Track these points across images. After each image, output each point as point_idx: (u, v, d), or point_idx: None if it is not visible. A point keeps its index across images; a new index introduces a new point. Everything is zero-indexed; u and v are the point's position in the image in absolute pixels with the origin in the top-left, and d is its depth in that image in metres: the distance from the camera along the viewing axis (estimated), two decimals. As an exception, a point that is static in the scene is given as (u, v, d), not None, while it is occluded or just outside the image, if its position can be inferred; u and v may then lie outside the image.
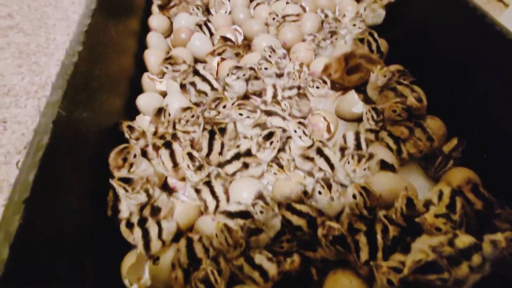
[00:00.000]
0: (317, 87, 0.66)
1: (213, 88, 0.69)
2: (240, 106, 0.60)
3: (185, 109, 0.62)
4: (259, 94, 0.77)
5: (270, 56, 0.74)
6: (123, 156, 0.51)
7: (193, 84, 0.68)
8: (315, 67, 0.80)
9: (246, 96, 0.76)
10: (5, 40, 1.01)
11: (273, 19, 0.89)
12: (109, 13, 0.66)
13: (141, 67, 0.82)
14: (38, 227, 0.35)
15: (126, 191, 0.46)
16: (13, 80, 0.88)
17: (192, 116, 0.62)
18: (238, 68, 0.68)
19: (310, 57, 0.83)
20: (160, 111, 0.61)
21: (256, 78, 0.72)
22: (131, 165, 0.53)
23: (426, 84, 0.71)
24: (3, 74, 0.90)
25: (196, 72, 0.69)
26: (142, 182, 0.48)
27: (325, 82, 0.66)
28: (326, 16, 0.93)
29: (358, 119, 0.71)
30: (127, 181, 0.47)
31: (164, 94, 0.79)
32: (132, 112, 0.72)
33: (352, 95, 0.70)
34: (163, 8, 0.97)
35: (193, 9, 0.88)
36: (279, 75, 0.79)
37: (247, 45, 0.88)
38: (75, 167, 0.44)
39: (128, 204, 0.49)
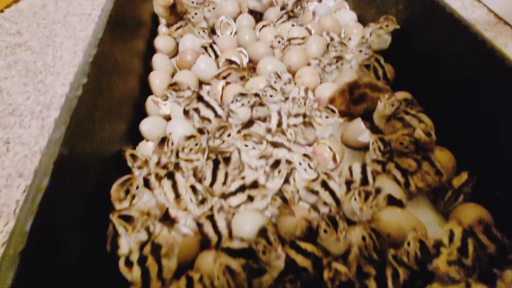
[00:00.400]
0: (326, 117, 0.64)
1: (216, 115, 0.68)
2: (246, 137, 0.59)
3: (189, 138, 0.62)
4: (264, 119, 0.76)
5: (275, 82, 0.73)
6: (125, 188, 0.50)
7: (196, 110, 0.68)
8: (321, 92, 0.79)
9: (250, 121, 0.75)
10: (13, 58, 1.02)
11: (279, 42, 0.89)
12: (116, 39, 0.67)
13: (146, 89, 0.82)
14: (34, 275, 0.33)
15: (126, 230, 0.45)
16: (18, 99, 0.88)
17: (196, 145, 0.61)
18: (242, 95, 0.67)
19: (316, 82, 0.82)
20: (163, 140, 0.60)
21: (261, 104, 0.72)
22: (133, 196, 0.52)
23: (434, 113, 0.70)
24: (9, 92, 0.90)
25: (200, 98, 0.69)
26: (143, 220, 0.47)
27: (333, 111, 0.65)
28: (331, 39, 0.93)
29: (365, 147, 0.70)
30: (127, 219, 0.46)
31: (168, 118, 0.78)
32: (136, 137, 0.71)
33: (359, 123, 0.69)
34: (170, 25, 0.98)
35: (198, 32, 0.88)
36: (284, 99, 0.79)
37: (252, 67, 0.88)
38: (76, 206, 0.43)
39: (128, 240, 0.48)
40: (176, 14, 0.94)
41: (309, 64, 0.88)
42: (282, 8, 1.13)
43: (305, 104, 0.70)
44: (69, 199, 0.41)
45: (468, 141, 0.64)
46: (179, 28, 0.94)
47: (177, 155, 0.63)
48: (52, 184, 0.36)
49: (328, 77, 0.83)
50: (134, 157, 0.61)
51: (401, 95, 0.75)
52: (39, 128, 0.82)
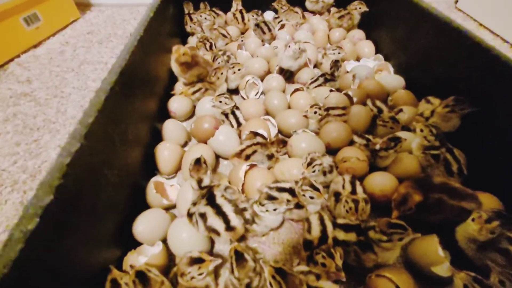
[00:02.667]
0: (399, 239, 0.44)
1: (228, 227, 0.48)
2: (274, 274, 0.40)
3: (193, 261, 0.43)
4: (298, 220, 0.57)
5: (315, 179, 0.55)
6: None
7: (203, 216, 0.49)
8: (373, 185, 0.60)
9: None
10: (14, 109, 0.92)
11: (315, 112, 0.73)
12: (118, 114, 0.52)
13: (150, 164, 0.67)
14: None
15: None
16: (4, 163, 0.75)
17: (200, 274, 0.43)
18: (271, 198, 0.50)
19: (364, 169, 0.64)
20: (141, 277, 0.41)
21: (298, 206, 0.53)
22: None
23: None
24: (-4, 153, 0.78)
25: (210, 199, 0.50)
26: None
27: (405, 229, 0.44)
28: (380, 111, 0.77)
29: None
30: None
31: (173, 207, 0.62)
32: (130, 238, 0.54)
33: (435, 247, 0.48)
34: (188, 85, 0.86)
35: (220, 101, 0.74)
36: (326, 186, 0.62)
37: (282, 140, 0.72)
38: None
39: None
40: (195, 76, 0.82)
41: (352, 142, 0.71)
42: (315, 66, 1.01)
43: (356, 209, 0.52)
44: None
45: None
46: (196, 91, 0.81)
47: (176, 279, 0.45)
48: None
49: (381, 163, 0.65)
50: (115, 284, 0.43)
51: (485, 200, 0.56)
52: (16, 205, 0.66)
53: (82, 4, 1.54)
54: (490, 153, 0.61)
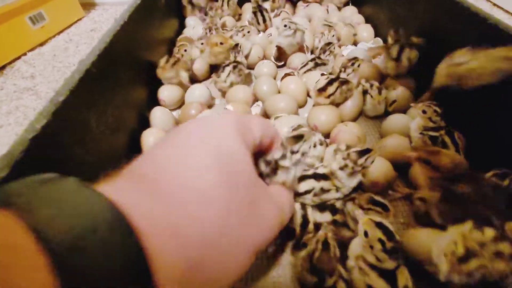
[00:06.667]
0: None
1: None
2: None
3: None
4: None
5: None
6: None
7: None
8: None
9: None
10: (16, 103, 0.96)
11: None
12: (97, 97, 0.53)
13: (137, 151, 0.68)
14: None
15: None
16: (2, 151, 0.78)
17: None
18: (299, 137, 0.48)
19: (356, 143, 0.61)
20: None
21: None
22: None
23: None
24: (-3, 143, 0.82)
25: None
26: None
27: (387, 209, 0.41)
28: (371, 86, 0.73)
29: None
30: None
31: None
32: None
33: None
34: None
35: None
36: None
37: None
38: None
39: None
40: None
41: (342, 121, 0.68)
42: (312, 52, 0.98)
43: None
44: None
45: None
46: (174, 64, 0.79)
47: None
48: None
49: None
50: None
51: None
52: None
53: (88, 4, 1.58)
54: (494, 132, 0.56)
